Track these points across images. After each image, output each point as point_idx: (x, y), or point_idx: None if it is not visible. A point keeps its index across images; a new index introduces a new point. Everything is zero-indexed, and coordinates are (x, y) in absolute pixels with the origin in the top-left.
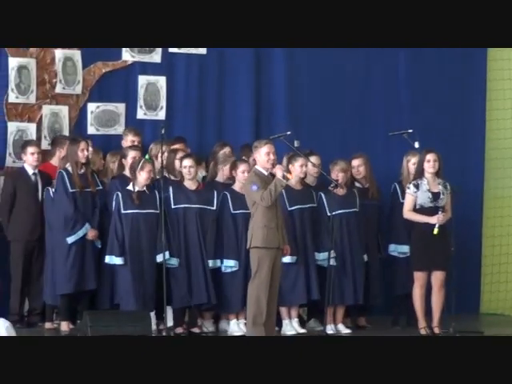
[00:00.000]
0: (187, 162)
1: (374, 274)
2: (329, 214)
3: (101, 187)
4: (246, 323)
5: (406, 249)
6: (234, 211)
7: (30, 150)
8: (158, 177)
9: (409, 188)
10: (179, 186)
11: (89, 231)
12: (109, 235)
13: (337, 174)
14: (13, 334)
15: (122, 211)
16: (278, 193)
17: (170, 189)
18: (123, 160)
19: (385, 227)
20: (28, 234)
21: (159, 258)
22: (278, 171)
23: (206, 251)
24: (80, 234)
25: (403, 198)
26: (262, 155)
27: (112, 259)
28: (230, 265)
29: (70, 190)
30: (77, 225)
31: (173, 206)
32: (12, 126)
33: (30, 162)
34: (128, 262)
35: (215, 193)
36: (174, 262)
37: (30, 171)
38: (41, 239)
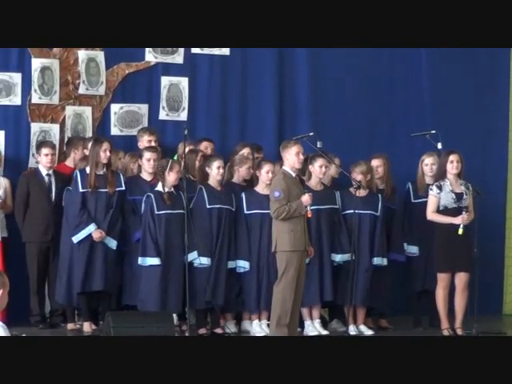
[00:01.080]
0: (220, 163)
1: (388, 276)
2: (342, 214)
3: (123, 188)
4: (268, 324)
5: (414, 249)
6: (247, 211)
7: (45, 151)
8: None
9: (432, 189)
10: (208, 187)
11: (93, 232)
12: (141, 237)
13: (356, 175)
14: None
15: (156, 212)
16: (293, 217)
17: (203, 189)
18: (139, 161)
19: (398, 229)
20: (41, 234)
21: (190, 257)
22: (307, 198)
23: (229, 252)
24: (83, 233)
25: (415, 198)
26: (293, 155)
27: (145, 260)
28: (241, 265)
29: (80, 190)
30: (80, 225)
31: (208, 206)
32: (35, 127)
33: (43, 163)
34: (161, 263)
35: (233, 195)
36: (206, 261)
37: (44, 172)
38: (55, 240)
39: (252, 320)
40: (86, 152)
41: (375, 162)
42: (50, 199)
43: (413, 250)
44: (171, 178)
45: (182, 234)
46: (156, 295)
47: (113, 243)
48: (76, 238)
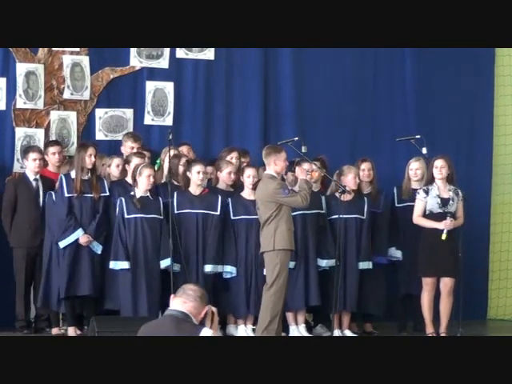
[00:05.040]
0: (200, 168)
1: (376, 281)
2: (328, 218)
3: (107, 194)
4: (253, 329)
5: (398, 254)
6: (233, 217)
7: (33, 155)
8: (163, 181)
9: (419, 193)
10: (183, 192)
11: (81, 237)
12: (112, 241)
13: (351, 179)
14: None
15: (126, 216)
16: (310, 193)
17: (175, 194)
18: (126, 166)
19: (382, 232)
20: (29, 240)
21: (163, 264)
22: (302, 173)
23: (204, 256)
24: (71, 238)
25: (399, 202)
26: (282, 161)
27: (117, 264)
28: (227, 270)
29: (66, 195)
30: (68, 229)
31: (176, 211)
32: (20, 132)
33: (31, 168)
34: (131, 268)
35: (219, 198)
36: (176, 267)
37: (32, 177)
38: (43, 245)
39: (238, 324)
40: (58, 156)
41: (367, 165)
42: (38, 204)
43: (397, 254)
44: (141, 182)
45: (155, 239)
46: (127, 299)
47: (98, 248)
48: (62, 244)
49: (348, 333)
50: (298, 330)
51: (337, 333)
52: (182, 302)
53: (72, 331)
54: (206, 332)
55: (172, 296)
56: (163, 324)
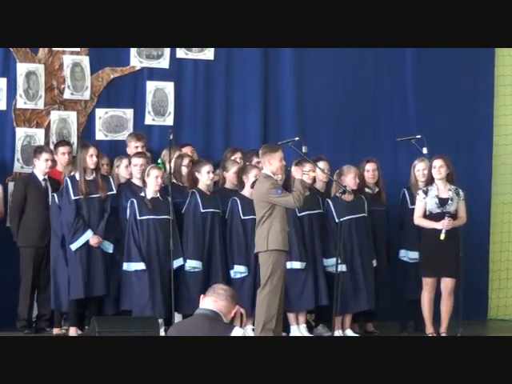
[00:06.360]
0: (209, 168)
1: (382, 280)
2: (337, 221)
3: (114, 191)
4: (253, 329)
5: (415, 255)
6: (243, 217)
7: (45, 156)
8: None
9: (418, 194)
10: (200, 192)
11: (91, 238)
12: (125, 243)
13: (352, 179)
14: None
15: (138, 217)
16: (304, 194)
17: (196, 193)
18: (129, 167)
19: (393, 233)
20: (38, 240)
21: (175, 264)
22: (298, 173)
23: (226, 257)
24: (81, 240)
25: (412, 204)
26: (277, 161)
27: (130, 266)
28: (240, 270)
29: (73, 198)
30: (77, 232)
31: (202, 210)
32: (20, 132)
33: (42, 168)
34: (146, 268)
35: (218, 200)
36: (198, 265)
37: (41, 177)
38: (50, 246)
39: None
40: (68, 156)
41: (371, 166)
42: (47, 204)
43: (413, 255)
44: (149, 183)
45: (166, 240)
46: (143, 300)
47: (110, 247)
48: (74, 246)
49: (349, 333)
50: (298, 329)
51: (338, 333)
52: (213, 301)
53: (73, 331)
54: (237, 332)
55: (202, 296)
56: (195, 323)
